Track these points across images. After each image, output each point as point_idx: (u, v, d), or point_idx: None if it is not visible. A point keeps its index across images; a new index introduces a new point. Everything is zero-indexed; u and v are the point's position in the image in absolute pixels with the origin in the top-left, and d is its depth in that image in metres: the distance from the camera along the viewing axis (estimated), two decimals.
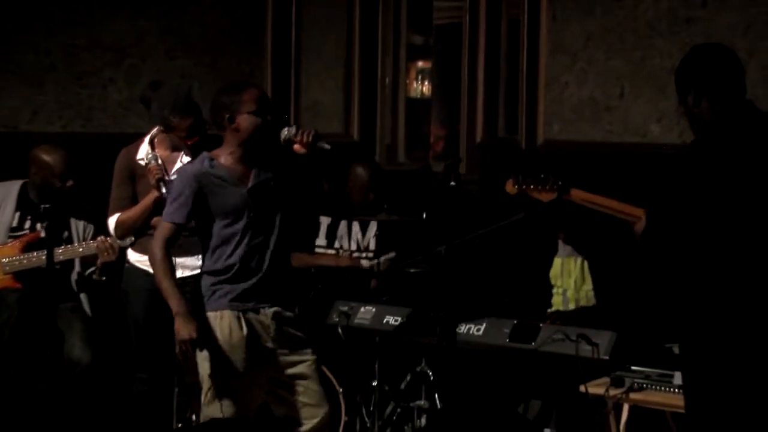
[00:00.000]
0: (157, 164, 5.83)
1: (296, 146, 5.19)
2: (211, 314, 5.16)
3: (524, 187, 5.27)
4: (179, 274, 5.86)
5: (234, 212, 5.14)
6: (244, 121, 5.14)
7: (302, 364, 5.22)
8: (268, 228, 5.19)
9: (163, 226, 5.18)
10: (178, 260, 5.91)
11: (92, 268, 6.33)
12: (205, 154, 5.32)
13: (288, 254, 5.41)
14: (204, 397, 5.15)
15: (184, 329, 5.03)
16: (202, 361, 5.14)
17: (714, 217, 4.40)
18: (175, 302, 5.08)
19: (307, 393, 5.22)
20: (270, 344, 5.18)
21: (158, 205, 5.83)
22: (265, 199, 5.18)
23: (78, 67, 7.77)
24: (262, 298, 5.19)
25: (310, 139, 5.17)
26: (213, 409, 5.12)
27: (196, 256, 5.83)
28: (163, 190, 5.71)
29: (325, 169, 7.37)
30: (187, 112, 5.92)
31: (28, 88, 7.59)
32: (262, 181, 5.19)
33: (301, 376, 5.22)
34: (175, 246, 5.87)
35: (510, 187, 5.29)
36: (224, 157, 5.20)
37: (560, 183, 5.26)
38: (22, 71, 7.57)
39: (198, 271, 5.70)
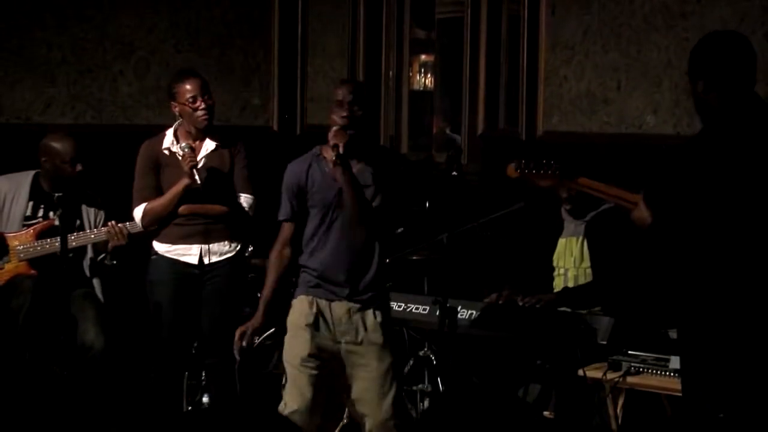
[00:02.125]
0: (191, 152, 5.96)
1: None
2: (293, 301, 5.26)
3: (525, 172, 5.29)
4: (207, 260, 6.04)
5: (325, 207, 5.16)
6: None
7: (364, 368, 5.17)
8: (354, 226, 5.15)
9: (282, 228, 5.29)
10: (204, 247, 6.07)
11: (103, 254, 6.44)
12: (316, 148, 5.37)
13: (380, 256, 5.25)
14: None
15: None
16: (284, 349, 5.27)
17: (715, 205, 4.42)
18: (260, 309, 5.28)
19: (360, 397, 5.21)
20: (339, 337, 5.17)
21: (188, 193, 5.97)
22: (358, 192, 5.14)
23: (88, 60, 7.83)
24: (340, 290, 5.16)
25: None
26: (285, 393, 5.20)
27: (223, 242, 6.04)
28: (196, 177, 5.86)
29: None
30: (186, 74, 6.10)
31: (41, 81, 7.65)
32: (357, 179, 5.15)
33: (357, 378, 5.20)
34: (203, 233, 6.03)
35: (511, 172, 5.26)
36: (327, 152, 5.19)
37: (560, 170, 5.30)
38: (34, 65, 7.63)
39: (227, 256, 6.01)
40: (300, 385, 5.15)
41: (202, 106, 6.01)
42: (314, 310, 5.18)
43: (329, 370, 5.20)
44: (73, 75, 7.77)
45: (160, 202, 6.03)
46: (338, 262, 5.16)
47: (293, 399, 5.15)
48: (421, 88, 9.07)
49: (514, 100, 7.87)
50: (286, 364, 5.22)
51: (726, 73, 4.51)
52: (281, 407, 5.19)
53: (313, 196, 5.18)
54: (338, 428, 6.39)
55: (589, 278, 6.23)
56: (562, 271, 6.33)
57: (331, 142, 5.06)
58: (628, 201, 4.82)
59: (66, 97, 7.74)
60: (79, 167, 6.40)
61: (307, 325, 5.17)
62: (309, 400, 5.14)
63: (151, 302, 6.16)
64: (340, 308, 5.18)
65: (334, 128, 5.08)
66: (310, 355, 5.15)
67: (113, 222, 6.26)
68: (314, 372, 5.16)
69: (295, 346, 5.19)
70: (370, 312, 5.18)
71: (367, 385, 5.19)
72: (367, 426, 5.20)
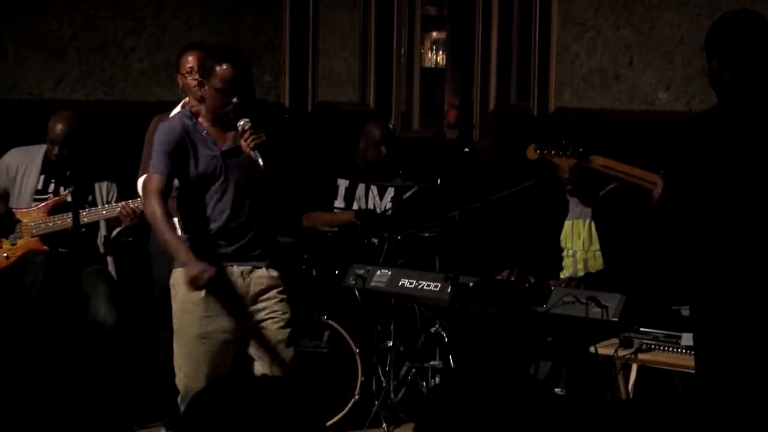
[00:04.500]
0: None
1: (242, 141, 5.10)
2: (177, 271, 5.16)
3: (545, 152, 5.31)
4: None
5: (207, 174, 5.10)
6: (209, 94, 5.10)
7: (268, 320, 5.18)
8: (241, 189, 5.14)
9: (152, 180, 5.09)
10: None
11: (119, 229, 6.46)
12: (186, 110, 5.36)
13: (268, 216, 5.29)
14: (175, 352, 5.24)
15: (199, 272, 4.99)
16: (174, 317, 5.21)
17: (726, 180, 4.42)
18: (181, 253, 5.05)
19: (266, 346, 5.19)
20: (239, 300, 5.15)
21: None
22: (238, 162, 5.12)
23: (100, 37, 7.85)
24: (234, 256, 5.16)
25: (251, 144, 5.05)
26: (176, 365, 5.20)
27: None
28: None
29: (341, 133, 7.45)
30: (190, 46, 6.21)
31: (52, 57, 7.67)
32: (237, 146, 5.13)
33: (262, 329, 5.18)
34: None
35: (531, 153, 5.31)
36: (202, 118, 5.17)
37: (581, 149, 5.32)
38: (46, 41, 7.64)
39: None
40: (206, 353, 5.14)
41: (197, 76, 6.00)
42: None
43: (219, 337, 5.16)
44: (85, 51, 7.78)
45: None
46: (232, 230, 5.15)
47: (192, 364, 5.14)
48: (433, 65, 9.08)
49: (526, 77, 7.88)
50: (181, 336, 5.18)
51: (740, 53, 4.50)
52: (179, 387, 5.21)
53: (194, 160, 5.10)
54: (349, 405, 6.45)
55: (599, 260, 6.23)
56: (570, 252, 6.34)
57: (252, 143, 5.04)
58: (648, 181, 4.81)
59: (77, 74, 7.75)
60: (63, 152, 6.38)
61: (198, 299, 5.12)
62: (220, 368, 5.13)
63: (152, 272, 6.24)
64: (231, 273, 5.15)
65: (249, 130, 5.06)
66: (204, 327, 5.12)
67: (125, 202, 6.28)
68: (215, 342, 5.15)
69: (192, 320, 5.13)
70: (264, 270, 5.20)
71: (272, 333, 5.18)
72: (270, 371, 5.14)
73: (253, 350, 5.22)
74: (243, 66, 5.13)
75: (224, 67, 5.05)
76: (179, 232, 5.31)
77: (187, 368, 5.16)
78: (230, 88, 5.06)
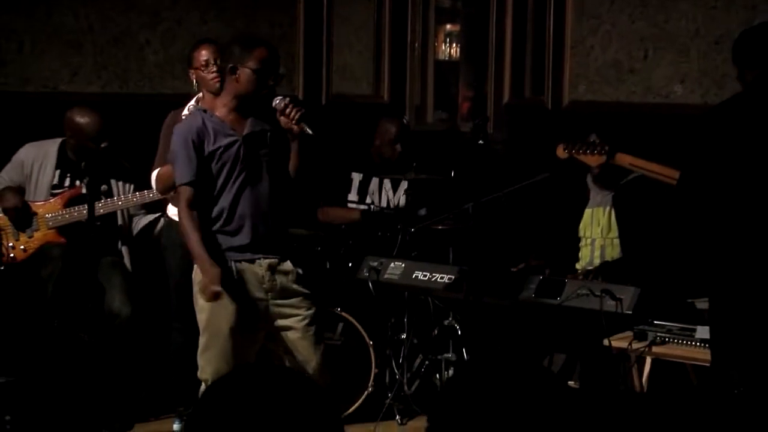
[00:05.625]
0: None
1: (282, 119, 5.13)
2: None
3: (573, 151, 5.34)
4: None
5: (227, 161, 5.11)
6: (245, 75, 5.11)
7: (293, 318, 5.20)
8: (262, 178, 5.16)
9: (181, 192, 5.11)
10: None
11: (155, 216, 6.51)
12: (198, 106, 5.41)
13: (286, 207, 5.32)
14: (199, 347, 5.21)
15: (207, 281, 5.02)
16: (199, 312, 5.19)
17: (748, 172, 4.43)
18: (202, 261, 5.05)
19: (295, 346, 5.21)
20: (262, 295, 5.16)
21: None
22: (259, 148, 5.15)
23: (115, 29, 7.84)
24: (256, 248, 5.17)
25: (296, 116, 5.10)
26: (204, 359, 5.17)
27: None
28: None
29: (355, 127, 7.45)
30: (201, 41, 6.26)
31: (67, 50, 7.66)
32: (257, 131, 5.17)
33: (288, 329, 5.20)
34: None
35: (560, 152, 5.36)
36: (220, 106, 5.21)
37: (608, 147, 5.34)
38: (61, 34, 7.64)
39: None
40: (234, 348, 5.14)
41: (214, 69, 6.04)
42: (234, 275, 5.15)
43: (246, 331, 5.19)
44: (100, 44, 7.78)
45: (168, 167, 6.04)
46: (256, 218, 5.16)
47: (221, 361, 5.13)
48: (447, 58, 9.08)
49: (540, 69, 7.88)
50: (210, 331, 5.17)
51: (758, 60, 4.54)
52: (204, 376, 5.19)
53: (212, 151, 5.12)
54: (362, 397, 6.46)
55: (617, 248, 6.24)
56: (588, 241, 6.34)
57: (297, 116, 5.11)
58: (674, 179, 4.80)
59: (92, 67, 7.75)
60: (104, 144, 6.39)
61: (229, 291, 5.12)
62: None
63: (165, 264, 6.26)
64: (260, 267, 5.18)
65: (290, 104, 5.14)
66: (235, 322, 5.12)
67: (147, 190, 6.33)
68: (242, 336, 5.16)
69: (223, 314, 5.13)
70: (288, 264, 5.23)
71: (299, 334, 5.21)
72: (309, 372, 5.13)
73: (282, 348, 5.24)
74: (275, 49, 5.25)
75: (261, 49, 5.13)
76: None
77: (216, 363, 5.12)
78: (268, 69, 5.12)
